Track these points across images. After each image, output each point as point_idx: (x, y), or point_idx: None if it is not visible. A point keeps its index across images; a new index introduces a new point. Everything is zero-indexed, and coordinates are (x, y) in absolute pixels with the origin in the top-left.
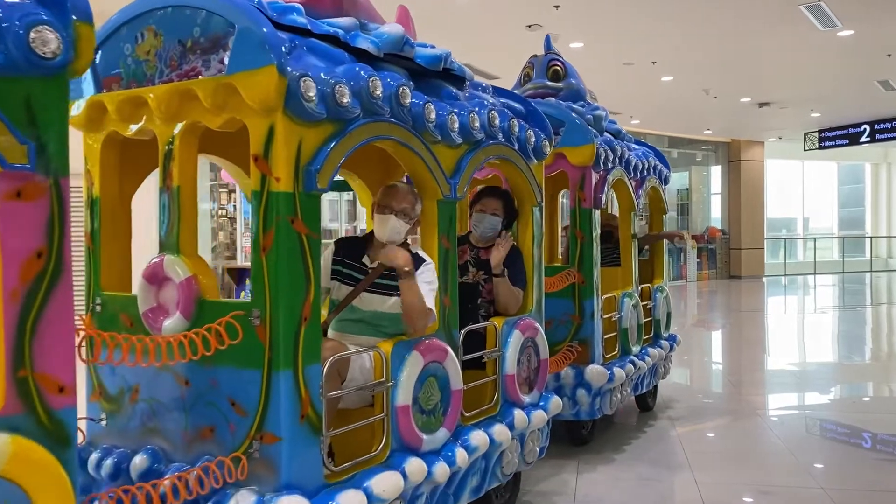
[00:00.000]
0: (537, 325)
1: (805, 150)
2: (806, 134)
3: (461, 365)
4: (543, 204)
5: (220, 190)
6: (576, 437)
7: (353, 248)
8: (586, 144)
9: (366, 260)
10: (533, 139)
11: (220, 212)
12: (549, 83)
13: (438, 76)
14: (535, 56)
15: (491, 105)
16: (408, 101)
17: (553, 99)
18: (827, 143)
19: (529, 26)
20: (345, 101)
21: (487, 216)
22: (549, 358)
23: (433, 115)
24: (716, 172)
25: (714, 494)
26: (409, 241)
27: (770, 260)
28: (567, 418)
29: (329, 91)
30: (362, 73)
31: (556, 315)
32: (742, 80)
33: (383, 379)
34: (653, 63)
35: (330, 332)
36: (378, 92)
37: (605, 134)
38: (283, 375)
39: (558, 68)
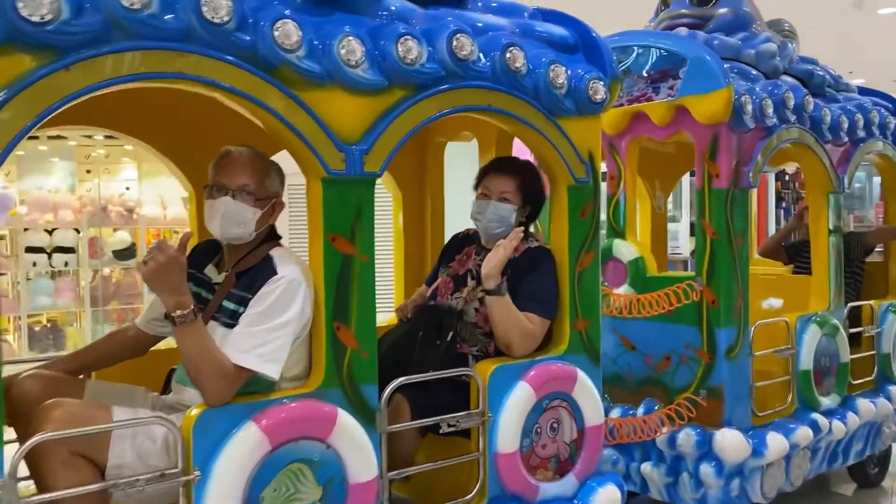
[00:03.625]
0: (578, 372)
1: None
2: None
3: (380, 444)
4: (595, 181)
5: None
6: None
7: (204, 255)
8: (715, 91)
9: (210, 271)
10: (564, 78)
11: None
12: (695, 10)
13: None
14: None
15: (475, 26)
16: (222, 16)
17: (685, 29)
18: None
19: None
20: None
21: (492, 203)
22: (612, 421)
23: (294, 39)
24: None
25: None
26: (281, 240)
27: None
28: None
29: None
30: None
31: (676, 348)
32: None
33: (177, 468)
34: None
35: (173, 383)
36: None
37: (784, 78)
38: None
39: None
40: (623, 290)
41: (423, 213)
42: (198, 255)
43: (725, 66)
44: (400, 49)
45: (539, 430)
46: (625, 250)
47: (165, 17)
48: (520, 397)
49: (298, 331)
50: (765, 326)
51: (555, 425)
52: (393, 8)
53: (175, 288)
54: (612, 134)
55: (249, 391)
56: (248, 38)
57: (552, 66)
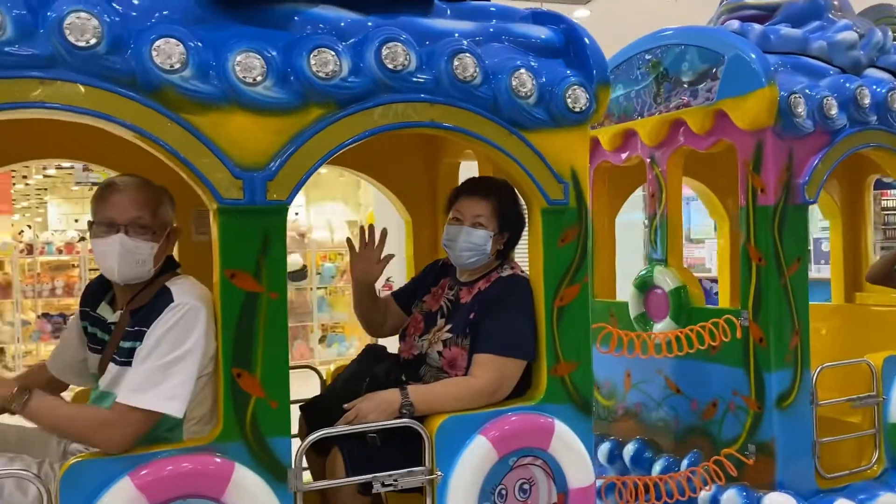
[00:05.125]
0: (557, 424)
1: None
2: None
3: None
4: (580, 203)
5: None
6: None
7: (95, 292)
8: (755, 91)
9: (104, 310)
10: (531, 86)
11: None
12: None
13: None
14: None
15: (425, 33)
16: (88, 38)
17: (736, 23)
18: None
19: None
20: None
21: (464, 229)
22: (655, 478)
23: (176, 59)
24: None
25: None
26: (179, 268)
27: None
28: None
29: None
30: None
31: (722, 394)
32: None
33: None
34: None
35: None
36: None
37: (869, 72)
38: None
39: None
40: (665, 324)
41: (436, 238)
42: (90, 293)
43: (778, 61)
44: (313, 63)
45: (504, 491)
46: (666, 278)
47: (21, 44)
48: (476, 453)
49: (203, 364)
50: (840, 370)
51: (525, 487)
52: (322, 19)
53: None
54: (652, 145)
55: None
56: (122, 60)
57: (515, 73)
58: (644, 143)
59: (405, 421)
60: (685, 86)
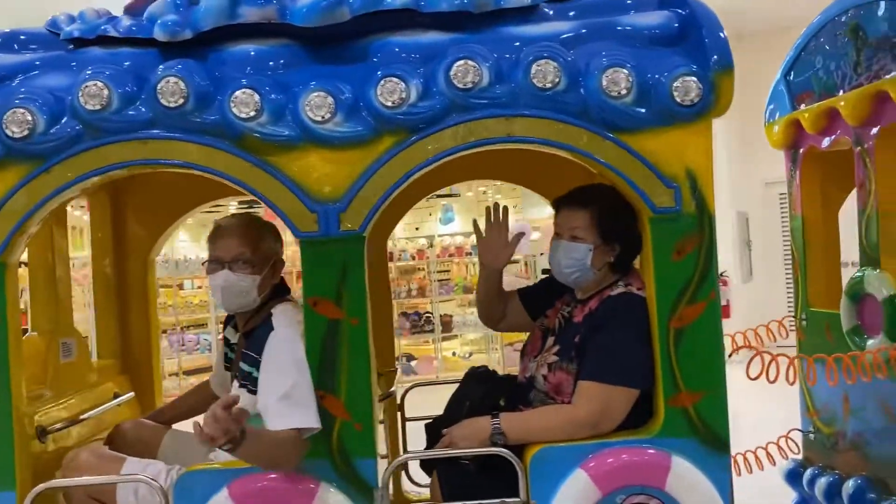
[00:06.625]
0: (674, 460)
1: None
2: None
3: None
4: (700, 209)
5: None
6: None
7: (228, 319)
8: None
9: (229, 333)
10: (626, 84)
11: None
12: None
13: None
14: None
15: (508, 44)
16: (177, 100)
17: None
18: None
19: None
20: None
21: (562, 244)
22: None
23: (251, 107)
24: None
25: None
26: (289, 294)
27: None
28: None
29: None
30: None
31: None
32: None
33: None
34: None
35: None
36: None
37: None
38: None
39: None
40: (878, 340)
41: None
42: (227, 318)
43: None
44: (380, 93)
45: None
46: (880, 285)
47: (126, 112)
48: (575, 488)
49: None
50: None
51: None
52: (403, 46)
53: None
54: (856, 125)
55: None
56: (207, 114)
57: (607, 71)
58: (848, 124)
59: (495, 450)
60: (889, 49)
